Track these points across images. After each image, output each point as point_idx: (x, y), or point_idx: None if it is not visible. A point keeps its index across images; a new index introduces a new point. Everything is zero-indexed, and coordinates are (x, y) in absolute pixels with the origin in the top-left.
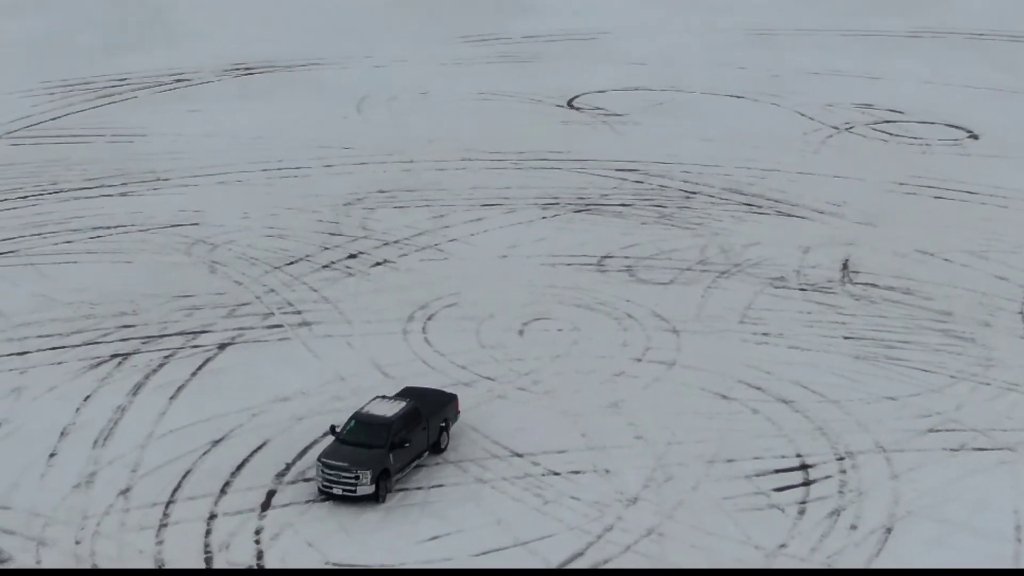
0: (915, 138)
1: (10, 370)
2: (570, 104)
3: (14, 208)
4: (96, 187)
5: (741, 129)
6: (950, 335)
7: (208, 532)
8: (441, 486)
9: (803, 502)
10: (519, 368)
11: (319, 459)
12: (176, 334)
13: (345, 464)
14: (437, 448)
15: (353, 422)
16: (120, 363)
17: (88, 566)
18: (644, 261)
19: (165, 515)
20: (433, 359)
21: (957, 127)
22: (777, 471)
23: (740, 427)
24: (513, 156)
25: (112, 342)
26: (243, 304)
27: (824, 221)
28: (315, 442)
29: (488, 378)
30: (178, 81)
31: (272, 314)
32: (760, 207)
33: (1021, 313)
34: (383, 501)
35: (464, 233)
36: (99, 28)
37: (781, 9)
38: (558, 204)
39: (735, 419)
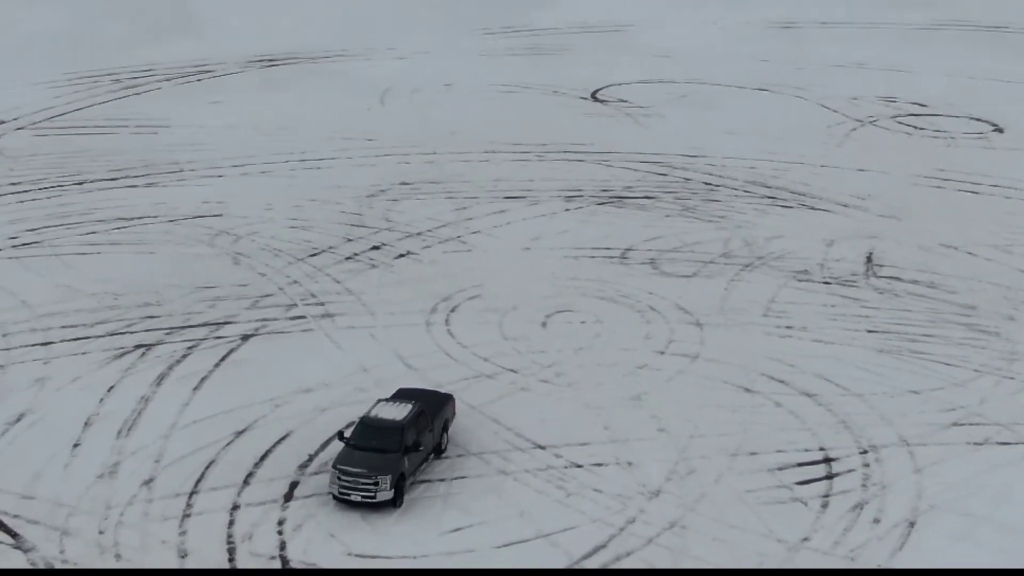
0: (939, 131)
1: (34, 360)
2: (594, 96)
3: (38, 199)
4: (120, 178)
5: (765, 122)
6: (974, 329)
7: (231, 523)
8: (463, 478)
9: (826, 496)
10: (542, 360)
11: (334, 466)
12: (200, 325)
13: (363, 470)
14: (439, 450)
15: (364, 427)
16: (144, 354)
17: (111, 556)
18: (667, 254)
19: (188, 505)
20: (456, 351)
21: (981, 120)
22: (800, 464)
23: (763, 420)
24: (536, 148)
25: (136, 333)
26: (266, 295)
27: (848, 214)
28: (349, 424)
29: (511, 370)
30: (202, 73)
31: (295, 305)
32: (784, 200)
33: None
34: (400, 506)
35: (487, 225)
36: (124, 20)
37: (805, 2)
38: (581, 196)
39: (758, 412)
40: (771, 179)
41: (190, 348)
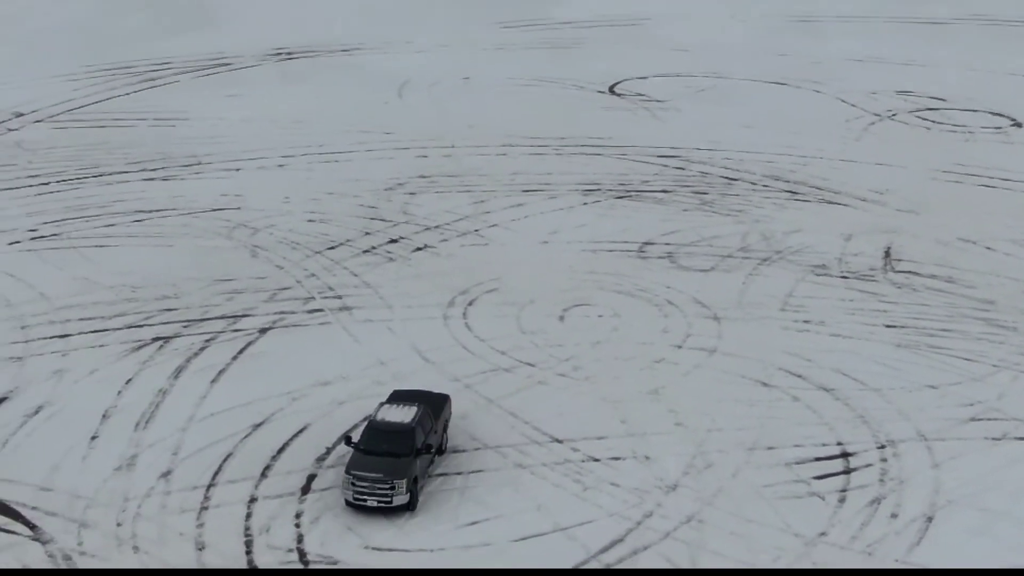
0: (958, 126)
1: (52, 353)
2: (612, 90)
3: (57, 191)
4: (138, 171)
5: (783, 116)
6: (992, 324)
7: (248, 515)
8: (480, 471)
9: (844, 490)
10: (559, 354)
11: (348, 472)
12: (217, 318)
13: (379, 475)
14: (440, 451)
15: (373, 431)
16: (161, 346)
17: (129, 548)
18: (685, 248)
19: (206, 498)
20: (473, 344)
21: (1000, 115)
22: (818, 459)
23: (781, 415)
24: (554, 142)
25: (154, 325)
26: (284, 288)
27: (866, 209)
28: (355, 426)
29: (528, 364)
30: (220, 66)
31: (313, 298)
32: (802, 194)
33: None
34: (414, 509)
35: (505, 219)
36: (142, 12)
37: None
38: (599, 190)
39: (776, 407)
40: (789, 173)
41: (208, 341)
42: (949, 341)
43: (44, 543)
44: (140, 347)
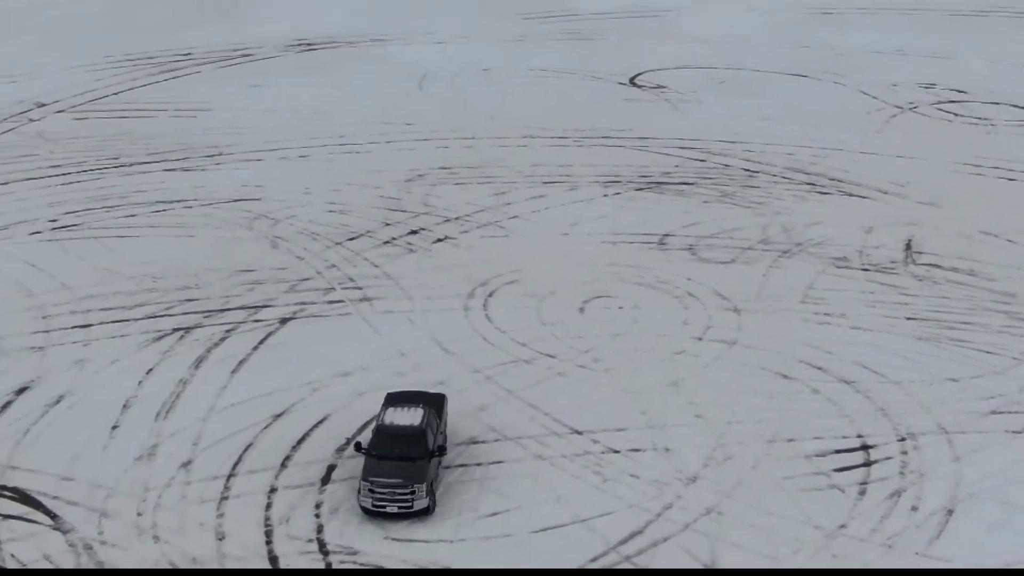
0: (980, 118)
1: (74, 343)
2: (632, 82)
3: (78, 182)
4: (159, 161)
5: (804, 108)
6: (1014, 317)
7: (268, 505)
8: (500, 462)
9: (864, 483)
10: (579, 346)
11: (366, 479)
12: (238, 308)
13: (400, 480)
14: (442, 451)
15: (384, 435)
16: (182, 336)
17: (149, 538)
18: (705, 240)
19: (226, 488)
20: (493, 336)
21: (1023, 107)
22: (838, 451)
23: (801, 407)
24: (575, 133)
25: (175, 315)
26: (304, 279)
27: (887, 201)
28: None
29: (548, 355)
30: (241, 56)
31: (333, 289)
32: (823, 187)
33: None
34: (433, 512)
35: (525, 210)
36: (164, 3)
37: None
38: (620, 182)
39: (796, 399)
40: (810, 165)
41: (228, 331)
42: (970, 334)
43: (65, 532)
44: (161, 337)
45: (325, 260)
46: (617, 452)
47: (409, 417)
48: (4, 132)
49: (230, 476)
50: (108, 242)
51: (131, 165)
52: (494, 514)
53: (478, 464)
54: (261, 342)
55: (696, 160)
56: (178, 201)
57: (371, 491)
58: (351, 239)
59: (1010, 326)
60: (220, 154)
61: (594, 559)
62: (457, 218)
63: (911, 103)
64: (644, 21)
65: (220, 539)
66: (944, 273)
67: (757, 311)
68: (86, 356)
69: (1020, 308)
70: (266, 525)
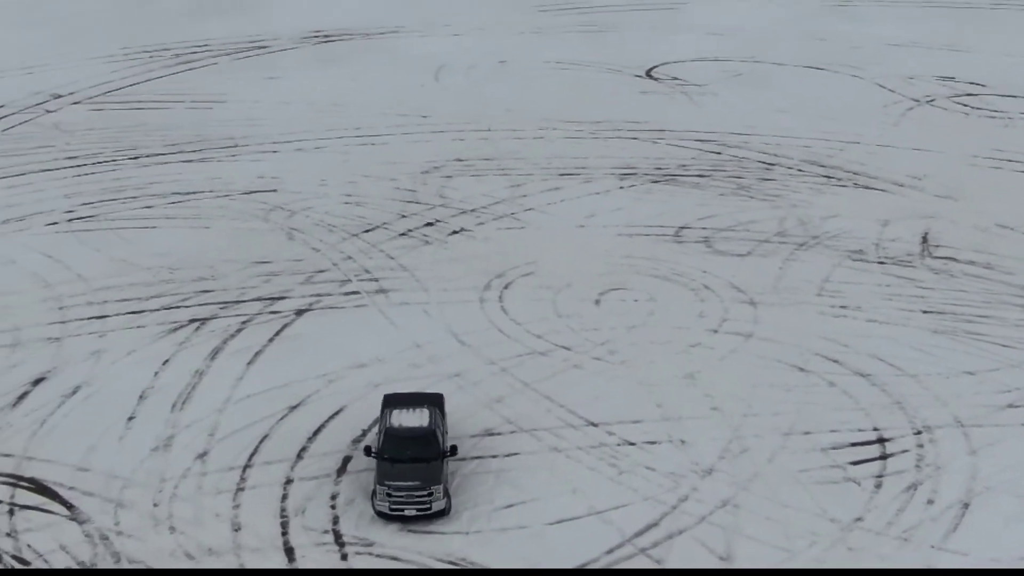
0: (997, 111)
1: (90, 334)
2: (648, 74)
3: (94, 173)
4: (175, 153)
5: (820, 101)
6: None
7: (284, 497)
8: (516, 454)
9: (880, 476)
10: (595, 338)
11: (382, 483)
12: (254, 300)
13: (417, 482)
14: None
15: (395, 438)
16: (198, 328)
17: (165, 528)
18: (722, 232)
19: (242, 479)
20: (509, 328)
21: None
22: (854, 444)
23: (817, 400)
24: (591, 126)
25: (191, 307)
26: (320, 271)
27: (904, 194)
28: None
29: (564, 347)
30: (257, 48)
31: (349, 281)
32: (839, 179)
33: None
34: (449, 513)
35: (541, 202)
36: None
37: None
38: (635, 174)
39: (812, 392)
40: (826, 158)
41: (244, 323)
42: (987, 327)
43: (81, 523)
44: (177, 328)
45: (341, 252)
46: (633, 444)
47: (417, 418)
48: (21, 123)
49: (246, 467)
50: (124, 233)
51: (147, 156)
52: (510, 506)
53: (494, 456)
54: (277, 333)
55: (712, 152)
56: (194, 193)
57: (388, 495)
58: (367, 231)
59: None
60: (236, 146)
61: (610, 551)
62: (473, 210)
63: (928, 96)
64: (660, 13)
65: (236, 530)
66: (961, 266)
67: (773, 304)
68: (102, 347)
69: None
70: (282, 516)
